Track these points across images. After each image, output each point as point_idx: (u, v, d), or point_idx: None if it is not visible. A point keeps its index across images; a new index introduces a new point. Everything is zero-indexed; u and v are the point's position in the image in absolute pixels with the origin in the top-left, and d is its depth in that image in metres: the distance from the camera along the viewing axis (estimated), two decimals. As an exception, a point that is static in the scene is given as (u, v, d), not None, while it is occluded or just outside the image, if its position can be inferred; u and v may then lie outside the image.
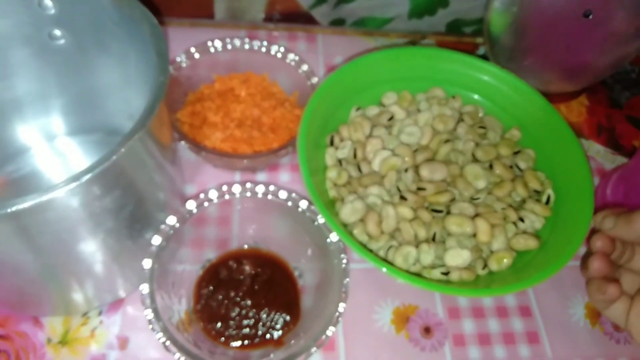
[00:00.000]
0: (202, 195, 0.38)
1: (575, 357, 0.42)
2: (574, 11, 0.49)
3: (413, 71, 0.48)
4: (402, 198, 0.41)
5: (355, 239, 0.39)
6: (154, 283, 0.34)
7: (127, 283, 0.38)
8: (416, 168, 0.42)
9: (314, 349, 0.33)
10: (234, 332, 0.37)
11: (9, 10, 0.36)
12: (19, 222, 0.27)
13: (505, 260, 0.40)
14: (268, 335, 0.37)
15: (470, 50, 0.60)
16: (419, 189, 0.41)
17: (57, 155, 0.45)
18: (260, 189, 0.38)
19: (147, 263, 0.34)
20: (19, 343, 0.37)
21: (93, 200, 0.29)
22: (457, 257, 0.39)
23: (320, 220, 0.37)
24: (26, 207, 0.25)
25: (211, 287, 0.39)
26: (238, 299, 0.38)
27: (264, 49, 0.48)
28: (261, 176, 0.47)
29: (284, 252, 0.41)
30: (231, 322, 0.37)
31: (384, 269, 0.36)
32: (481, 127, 0.46)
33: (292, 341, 0.36)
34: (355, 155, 0.43)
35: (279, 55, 0.48)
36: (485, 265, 0.40)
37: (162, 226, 0.36)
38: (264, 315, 0.38)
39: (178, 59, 0.46)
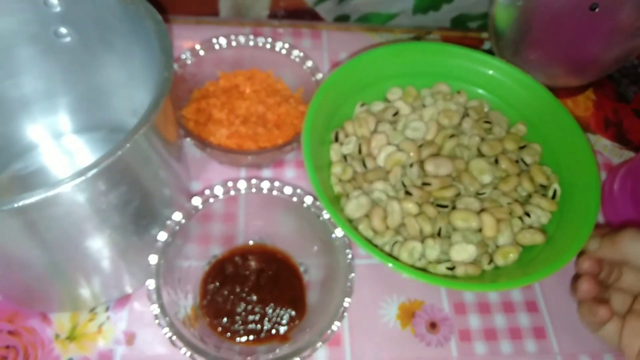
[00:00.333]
0: (207, 192, 0.38)
1: (581, 352, 0.42)
2: (579, 4, 0.49)
3: (418, 66, 0.48)
4: (407, 193, 0.41)
5: (361, 235, 0.39)
6: (160, 279, 0.34)
7: (133, 279, 0.39)
8: (421, 163, 0.42)
9: (319, 344, 0.33)
10: (240, 327, 0.37)
11: (15, 8, 0.36)
12: (27, 218, 0.27)
13: (511, 255, 0.39)
14: (274, 331, 0.38)
15: (475, 45, 0.60)
16: (424, 184, 0.41)
17: (64, 152, 0.46)
18: (265, 185, 0.38)
19: (153, 259, 0.35)
20: (27, 339, 0.38)
21: (99, 195, 0.29)
22: (463, 252, 0.39)
23: (326, 215, 0.37)
24: (33, 202, 0.25)
25: (217, 283, 0.39)
26: (244, 294, 0.38)
27: (268, 46, 0.48)
28: (266, 172, 0.48)
29: (289, 247, 0.41)
30: (237, 318, 0.38)
31: (390, 265, 0.36)
32: (486, 122, 0.46)
33: (298, 336, 0.36)
34: (360, 151, 0.43)
35: (284, 51, 0.48)
36: (491, 260, 0.40)
37: (168, 222, 0.36)
38: (270, 311, 0.38)
39: (183, 56, 0.46)
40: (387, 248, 0.40)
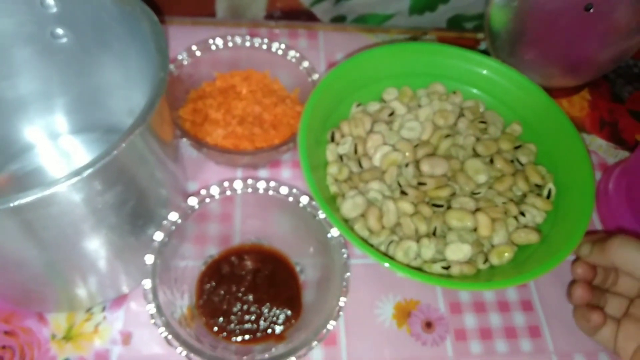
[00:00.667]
0: (203, 192, 0.38)
1: (576, 351, 0.42)
2: (575, 5, 0.49)
3: (414, 67, 0.48)
4: (403, 193, 0.41)
5: (356, 234, 0.39)
6: (156, 279, 0.34)
7: (130, 279, 0.39)
8: (417, 163, 0.43)
9: (315, 343, 0.33)
10: (236, 327, 0.37)
11: (12, 9, 0.36)
12: (23, 217, 0.28)
13: (506, 254, 0.40)
14: (270, 330, 0.38)
15: (471, 45, 0.60)
16: (420, 183, 0.41)
17: (60, 153, 0.46)
18: (261, 185, 0.39)
19: (149, 259, 0.35)
20: (23, 339, 0.38)
21: (95, 195, 0.29)
22: (458, 251, 0.39)
23: (321, 215, 0.37)
24: (29, 202, 0.25)
25: (213, 283, 0.39)
26: (240, 294, 0.38)
27: (265, 46, 0.48)
28: (263, 172, 0.48)
29: (285, 247, 0.41)
30: (233, 317, 0.38)
31: (386, 264, 0.36)
32: (482, 121, 0.46)
33: (294, 336, 0.36)
34: (356, 151, 0.43)
35: (280, 52, 0.48)
36: (486, 260, 0.40)
37: (165, 222, 0.36)
38: (266, 310, 0.38)
39: (180, 57, 0.46)
40: (382, 248, 0.40)
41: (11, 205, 0.25)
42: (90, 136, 0.46)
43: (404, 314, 0.42)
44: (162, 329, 0.33)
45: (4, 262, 0.32)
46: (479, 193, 0.42)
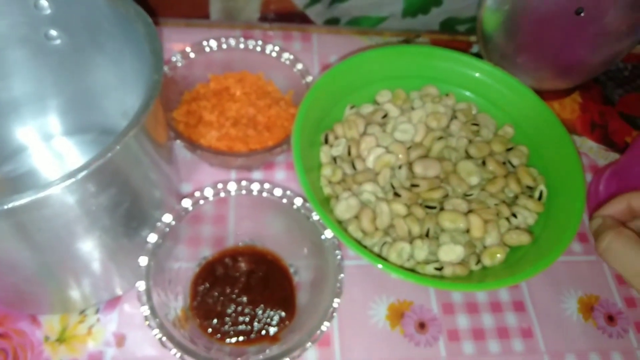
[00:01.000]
0: (197, 193, 0.38)
1: (568, 351, 0.42)
2: (566, 8, 0.50)
3: (407, 69, 0.49)
4: (396, 195, 0.41)
5: (350, 236, 0.39)
6: (150, 280, 0.34)
7: (123, 281, 0.39)
8: (410, 165, 0.43)
9: (309, 345, 0.33)
10: (230, 328, 0.38)
11: (5, 10, 0.36)
12: (16, 220, 0.27)
13: (498, 255, 0.40)
14: (264, 332, 0.38)
15: (464, 48, 0.60)
16: (413, 185, 0.41)
17: (54, 155, 0.45)
18: (255, 187, 0.39)
19: (143, 260, 0.35)
20: (16, 341, 0.38)
21: (89, 197, 0.29)
22: (451, 252, 0.39)
23: (315, 217, 0.38)
24: (22, 204, 0.25)
25: (207, 284, 0.39)
26: (234, 295, 0.38)
27: (259, 49, 0.48)
28: (257, 174, 0.48)
29: (279, 249, 0.41)
30: (227, 319, 0.38)
31: (379, 265, 0.36)
32: (474, 124, 0.46)
33: (288, 337, 0.36)
34: (349, 153, 0.44)
35: (274, 54, 0.48)
36: (478, 261, 0.40)
37: (158, 224, 0.36)
38: (260, 312, 0.38)
39: (174, 59, 0.46)
40: (376, 249, 0.40)
41: (5, 207, 0.25)
42: (84, 138, 0.46)
43: (397, 314, 0.42)
44: (156, 330, 0.33)
45: (-3, 264, 0.32)
46: (471, 195, 0.42)
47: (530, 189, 0.44)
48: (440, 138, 0.44)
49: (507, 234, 0.41)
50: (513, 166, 0.45)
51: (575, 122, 0.57)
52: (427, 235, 0.40)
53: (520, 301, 0.44)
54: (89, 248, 0.33)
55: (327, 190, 0.43)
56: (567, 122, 0.57)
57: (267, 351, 0.35)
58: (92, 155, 0.27)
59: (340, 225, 0.40)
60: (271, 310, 0.38)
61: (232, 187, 0.38)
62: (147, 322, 0.33)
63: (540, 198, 0.43)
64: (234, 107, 0.46)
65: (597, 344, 0.43)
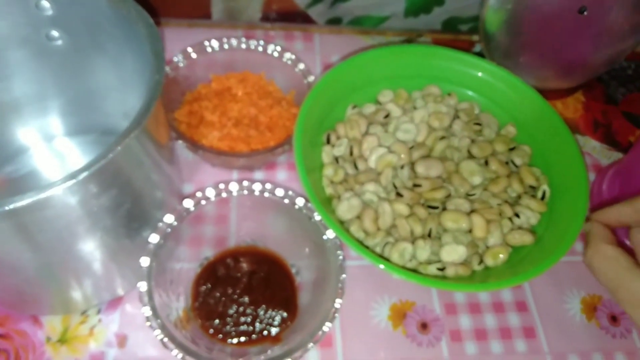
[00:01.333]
0: (199, 194, 0.38)
1: (571, 351, 0.42)
2: (569, 7, 0.50)
3: (409, 69, 0.48)
4: (398, 195, 0.41)
5: (352, 236, 0.39)
6: (152, 281, 0.34)
7: (125, 281, 0.39)
8: (412, 165, 0.43)
9: (310, 345, 0.33)
10: (232, 329, 0.37)
11: (6, 11, 0.36)
12: (18, 220, 0.27)
13: (501, 255, 0.40)
14: (265, 332, 0.38)
15: (466, 47, 0.60)
16: (415, 185, 0.41)
17: (55, 155, 0.46)
18: (257, 187, 0.39)
19: (145, 261, 0.35)
20: (18, 342, 0.38)
21: (90, 198, 0.29)
22: (453, 252, 0.39)
23: (317, 217, 0.38)
24: (24, 205, 0.25)
25: (209, 285, 0.39)
26: (235, 296, 0.38)
27: (260, 49, 0.48)
28: (258, 174, 0.48)
29: (281, 249, 0.41)
30: (229, 319, 0.38)
31: (381, 266, 0.36)
32: (477, 123, 0.46)
33: (290, 337, 0.36)
34: (351, 153, 0.44)
35: (276, 54, 0.48)
36: (481, 261, 0.40)
37: (160, 224, 0.36)
38: (262, 312, 0.38)
39: (175, 59, 0.46)
40: (378, 249, 0.40)
41: (6, 208, 0.25)
42: (85, 138, 0.46)
43: (399, 315, 0.42)
44: (158, 331, 0.33)
45: (-1, 265, 0.32)
46: (473, 195, 0.42)
47: (533, 188, 0.44)
48: (443, 138, 0.44)
49: (510, 234, 0.41)
50: (516, 166, 0.45)
51: (578, 122, 0.57)
52: (429, 235, 0.40)
53: (523, 301, 0.44)
54: (91, 249, 0.33)
55: (329, 190, 0.42)
56: (570, 121, 0.57)
57: (269, 352, 0.35)
58: (94, 155, 0.27)
59: (342, 225, 0.40)
60: (273, 310, 0.38)
61: (233, 187, 0.38)
62: (149, 323, 0.33)
63: (543, 198, 0.43)
64: (235, 107, 0.46)
65: (600, 344, 0.43)
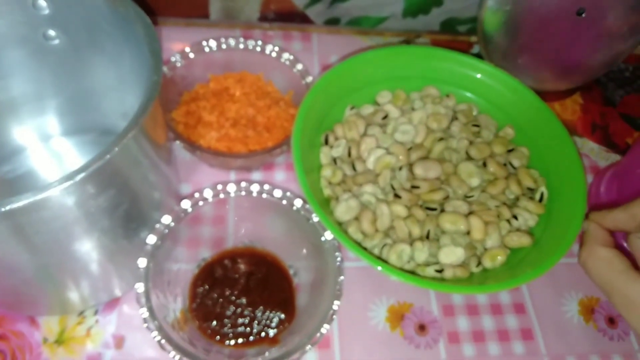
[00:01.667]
0: (197, 195, 0.38)
1: (568, 353, 0.42)
2: (567, 9, 0.50)
3: (407, 70, 0.48)
4: (397, 196, 0.41)
5: (350, 237, 0.39)
6: (149, 282, 0.34)
7: (122, 282, 0.38)
8: (410, 166, 0.43)
9: (308, 347, 0.33)
10: (229, 330, 0.37)
11: (3, 10, 0.36)
12: (14, 222, 0.27)
13: (499, 257, 0.40)
14: (263, 334, 0.38)
15: (464, 49, 0.60)
16: (413, 187, 0.41)
17: (52, 155, 0.45)
18: (255, 188, 0.38)
19: (142, 262, 0.35)
20: (15, 342, 0.38)
21: (88, 199, 0.29)
22: (451, 254, 0.39)
23: (315, 218, 0.37)
24: (21, 206, 0.25)
25: (206, 286, 0.39)
26: (233, 297, 0.38)
27: (258, 49, 0.48)
28: (256, 175, 0.48)
29: (279, 250, 0.41)
30: (226, 321, 0.38)
31: (379, 267, 0.36)
32: (475, 125, 0.46)
33: (287, 339, 0.36)
34: (349, 154, 0.43)
35: (274, 54, 0.48)
36: (479, 263, 0.40)
37: (157, 225, 0.36)
38: (259, 314, 0.38)
39: (173, 59, 0.46)
40: (376, 251, 0.40)
41: (2, 210, 0.25)
42: (82, 138, 0.46)
43: (397, 316, 0.42)
44: (155, 332, 0.33)
45: (-5, 266, 0.32)
46: (472, 196, 0.42)
47: (531, 190, 0.44)
48: (441, 139, 0.44)
49: (508, 236, 0.41)
50: (514, 168, 0.45)
51: (576, 123, 0.57)
52: (427, 237, 0.40)
53: (521, 303, 0.44)
54: (88, 249, 0.33)
55: (327, 191, 0.42)
56: (568, 123, 0.57)
57: (267, 353, 0.35)
58: (91, 155, 0.27)
59: (340, 226, 0.40)
60: (271, 312, 0.38)
61: (231, 188, 0.38)
62: (146, 324, 0.33)
63: (541, 200, 0.43)
64: (233, 107, 0.46)
65: (597, 346, 0.43)
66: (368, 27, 0.60)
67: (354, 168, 0.43)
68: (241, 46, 0.48)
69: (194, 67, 0.48)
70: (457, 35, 0.61)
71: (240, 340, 0.37)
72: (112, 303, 0.40)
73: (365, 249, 0.40)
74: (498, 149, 0.45)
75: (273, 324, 0.38)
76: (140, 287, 0.34)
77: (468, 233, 0.40)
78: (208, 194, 0.38)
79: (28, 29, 0.37)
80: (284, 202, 0.38)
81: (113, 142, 0.28)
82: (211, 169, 0.47)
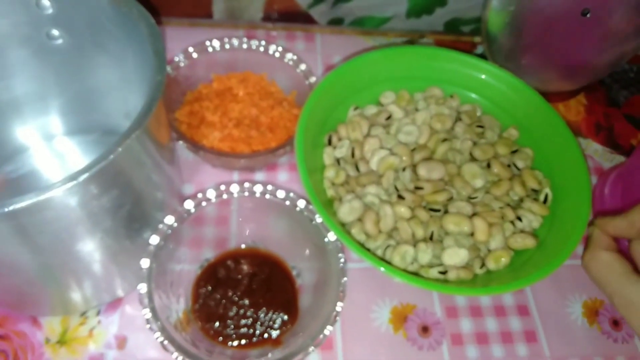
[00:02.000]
0: (200, 195, 0.38)
1: (572, 356, 0.42)
2: (572, 9, 0.49)
3: (411, 70, 0.48)
4: (400, 197, 0.41)
5: (353, 238, 0.39)
6: (152, 282, 0.34)
7: (125, 283, 0.38)
8: (414, 167, 0.42)
9: (311, 348, 0.33)
10: (232, 331, 0.37)
11: (7, 10, 0.36)
12: (17, 222, 0.27)
13: (503, 259, 0.40)
14: (266, 335, 0.37)
15: (468, 49, 0.60)
16: (417, 188, 0.41)
17: (55, 155, 0.45)
18: (258, 189, 0.38)
19: (145, 262, 0.34)
20: (17, 343, 0.38)
21: (91, 199, 0.29)
22: (455, 256, 0.39)
23: (318, 219, 0.37)
24: (24, 207, 0.25)
25: (209, 287, 0.39)
26: (236, 298, 0.38)
27: (262, 49, 0.48)
28: (259, 176, 0.47)
29: (282, 251, 0.41)
30: (229, 322, 0.37)
31: (382, 269, 0.36)
32: (479, 126, 0.46)
33: (290, 340, 0.36)
34: (353, 155, 0.43)
35: (277, 54, 0.48)
36: (483, 264, 0.40)
37: (160, 226, 0.36)
38: (262, 315, 0.38)
39: (176, 59, 0.46)
40: (379, 252, 0.40)
41: (6, 210, 0.25)
42: (85, 138, 0.46)
43: (400, 318, 0.42)
44: (158, 333, 0.33)
45: (-2, 266, 0.32)
46: (475, 197, 0.42)
47: (536, 192, 0.43)
48: (445, 140, 0.44)
49: (512, 237, 0.41)
50: (518, 169, 0.44)
51: (580, 124, 0.57)
52: (431, 238, 0.40)
53: (525, 305, 0.44)
54: (91, 250, 0.33)
55: (330, 192, 0.42)
56: (572, 124, 0.56)
57: (270, 355, 0.35)
58: (94, 155, 0.27)
59: (344, 227, 0.40)
60: (273, 313, 0.38)
61: (234, 188, 0.38)
62: (149, 325, 0.33)
63: (545, 201, 0.43)
64: (236, 107, 0.46)
65: (601, 348, 0.42)
66: (372, 28, 0.60)
67: (357, 169, 0.43)
68: (244, 46, 0.48)
69: (197, 67, 0.47)
70: (461, 36, 0.61)
71: (243, 342, 0.37)
72: (115, 303, 0.40)
73: (368, 250, 0.39)
74: (502, 150, 0.45)
75: (276, 325, 0.38)
76: (142, 287, 0.34)
77: (472, 234, 0.40)
78: (211, 194, 0.38)
79: (31, 29, 0.37)
80: (287, 202, 0.38)
81: (116, 142, 0.28)
82: (214, 170, 0.47)
